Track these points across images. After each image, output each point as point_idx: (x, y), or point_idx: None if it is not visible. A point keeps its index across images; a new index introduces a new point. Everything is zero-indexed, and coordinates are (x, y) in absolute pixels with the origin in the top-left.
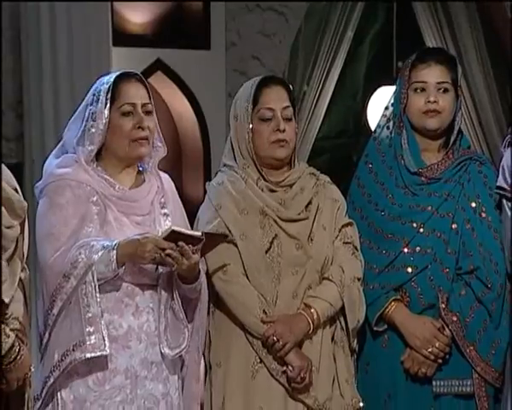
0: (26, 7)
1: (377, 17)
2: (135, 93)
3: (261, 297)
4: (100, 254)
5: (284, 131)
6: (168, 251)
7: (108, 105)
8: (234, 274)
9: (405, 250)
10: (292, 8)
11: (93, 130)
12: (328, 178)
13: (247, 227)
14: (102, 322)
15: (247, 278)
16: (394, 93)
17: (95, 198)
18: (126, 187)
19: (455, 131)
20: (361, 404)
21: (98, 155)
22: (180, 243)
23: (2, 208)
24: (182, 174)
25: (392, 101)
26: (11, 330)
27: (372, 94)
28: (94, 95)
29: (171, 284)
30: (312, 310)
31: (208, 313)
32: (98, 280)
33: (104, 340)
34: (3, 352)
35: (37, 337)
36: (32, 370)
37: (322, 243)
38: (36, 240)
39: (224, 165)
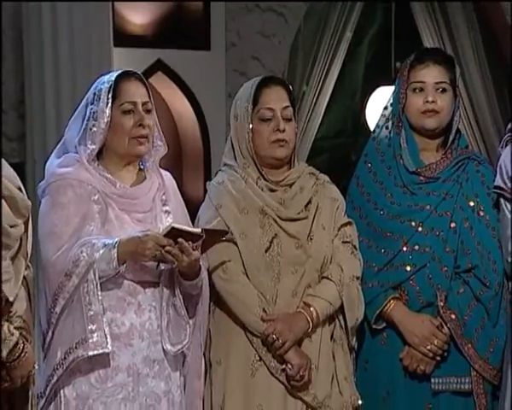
0: (28, 7)
1: (376, 17)
2: (135, 91)
3: (261, 296)
4: (101, 252)
5: (284, 131)
6: (168, 248)
7: (110, 104)
8: (234, 273)
9: (404, 249)
10: (291, 8)
11: (95, 129)
12: (327, 178)
13: (247, 226)
14: (104, 320)
15: (247, 276)
16: (393, 93)
17: (96, 197)
18: (127, 185)
19: (453, 131)
20: (360, 401)
21: (99, 154)
22: (179, 240)
23: (7, 207)
24: (182, 174)
25: (390, 101)
26: (15, 328)
27: (371, 94)
28: (95, 94)
29: (173, 281)
30: (312, 309)
31: (208, 311)
32: (100, 278)
33: (106, 338)
34: (8, 350)
35: (39, 336)
36: (36, 367)
37: (322, 242)
38: (38, 239)
39: (225, 164)
